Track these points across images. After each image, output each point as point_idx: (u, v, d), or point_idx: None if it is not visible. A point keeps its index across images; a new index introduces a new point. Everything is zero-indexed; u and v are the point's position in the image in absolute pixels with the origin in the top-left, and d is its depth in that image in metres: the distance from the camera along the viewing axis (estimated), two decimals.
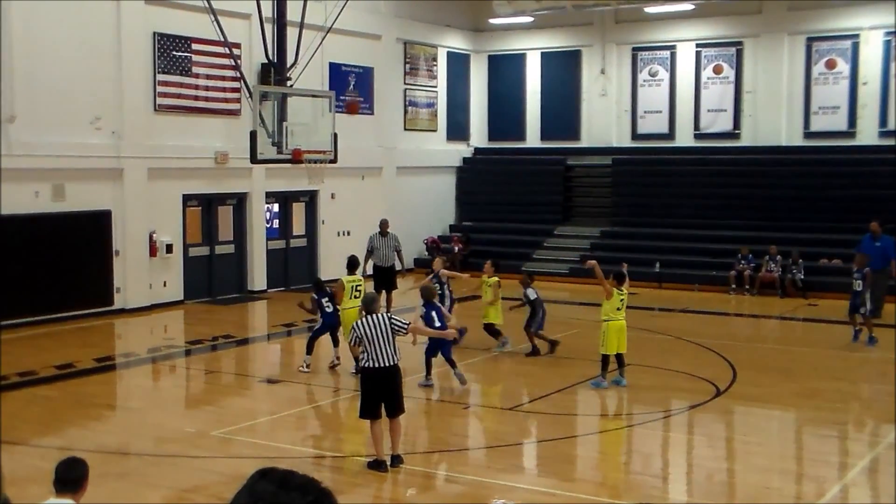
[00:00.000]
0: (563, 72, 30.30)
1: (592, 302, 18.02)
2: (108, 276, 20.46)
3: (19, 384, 14.42)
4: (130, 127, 20.62)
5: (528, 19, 29.31)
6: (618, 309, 14.29)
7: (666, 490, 10.34)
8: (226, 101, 22.65)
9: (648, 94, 29.15)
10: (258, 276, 23.96)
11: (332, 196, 25.68)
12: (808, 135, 27.12)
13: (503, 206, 29.78)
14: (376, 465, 10.39)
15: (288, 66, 19.78)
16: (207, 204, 23.05)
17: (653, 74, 29.04)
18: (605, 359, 14.29)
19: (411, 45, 28.96)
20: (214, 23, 18.72)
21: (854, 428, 13.18)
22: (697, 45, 28.34)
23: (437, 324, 13.63)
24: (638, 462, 11.48)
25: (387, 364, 10.37)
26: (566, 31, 29.91)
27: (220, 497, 9.30)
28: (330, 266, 24.25)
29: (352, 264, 16.23)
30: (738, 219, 26.36)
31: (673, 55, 28.72)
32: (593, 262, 14.70)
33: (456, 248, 28.00)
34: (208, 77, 22.23)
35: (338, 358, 15.54)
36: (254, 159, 18.84)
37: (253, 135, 18.43)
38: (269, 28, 19.63)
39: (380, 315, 10.66)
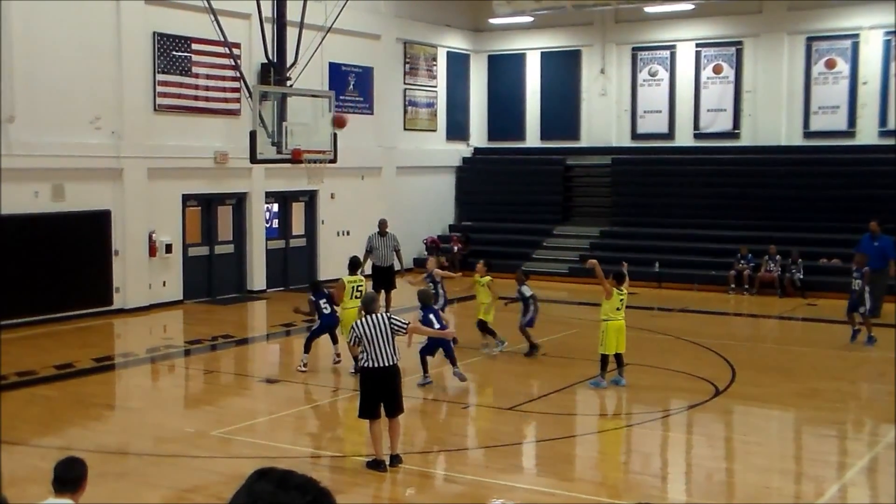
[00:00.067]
0: (562, 72, 30.31)
1: (592, 302, 18.03)
2: (108, 275, 20.47)
3: (19, 384, 14.42)
4: (130, 127, 20.63)
5: (528, 19, 29.32)
6: (617, 309, 14.30)
7: (665, 490, 10.34)
8: (225, 100, 22.65)
9: (648, 93, 29.15)
10: (257, 276, 23.97)
11: (332, 196, 25.68)
12: (808, 134, 27.13)
13: (503, 206, 29.78)
14: (375, 464, 10.39)
15: (288, 65, 19.77)
16: (207, 204, 23.05)
17: (652, 74, 29.04)
18: (604, 358, 14.30)
19: (411, 44, 28.97)
20: (214, 23, 18.71)
21: (853, 427, 13.18)
22: (697, 45, 28.35)
23: (437, 325, 13.68)
24: (637, 462, 11.48)
25: (386, 364, 10.38)
26: (566, 30, 29.92)
27: (219, 497, 9.30)
28: (329, 266, 24.27)
29: (353, 265, 16.29)
30: (737, 218, 26.36)
31: (673, 55, 28.73)
32: (594, 261, 14.70)
33: (455, 248, 28.02)
34: (208, 77, 22.24)
35: (338, 355, 15.57)
36: (253, 159, 18.83)
37: (252, 135, 18.42)
38: (268, 28, 19.63)
39: (379, 315, 10.67)
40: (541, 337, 16.97)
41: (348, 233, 25.40)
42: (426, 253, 27.54)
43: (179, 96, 21.76)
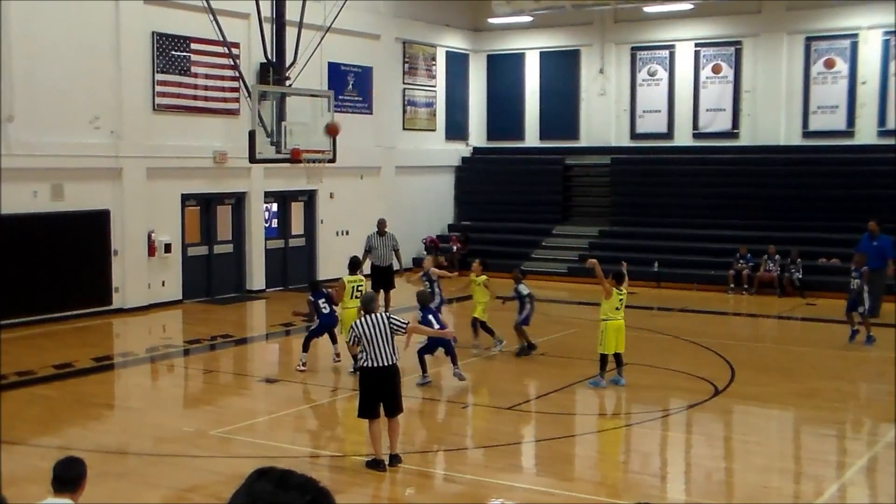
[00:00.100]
0: (561, 71, 30.31)
1: (591, 301, 18.03)
2: (107, 275, 20.46)
3: (18, 384, 14.42)
4: (129, 127, 20.62)
5: (527, 19, 29.32)
6: (616, 308, 14.30)
7: (664, 489, 10.34)
8: (225, 100, 22.65)
9: (647, 93, 29.15)
10: (257, 276, 23.96)
11: (331, 196, 25.68)
12: (807, 134, 27.13)
13: (502, 206, 29.78)
14: (375, 464, 10.39)
15: (287, 65, 19.77)
16: (206, 203, 23.04)
17: (652, 74, 29.04)
18: (603, 358, 14.30)
19: (410, 44, 28.96)
20: (213, 22, 18.71)
21: (852, 427, 13.19)
22: (696, 45, 28.35)
23: (436, 325, 13.72)
24: (636, 461, 11.49)
25: (386, 363, 10.38)
26: (565, 30, 29.91)
27: (218, 497, 9.30)
28: (329, 266, 24.28)
29: (353, 264, 16.35)
30: (736, 218, 26.37)
31: (672, 55, 28.73)
32: (594, 260, 14.70)
33: (454, 248, 28.02)
34: (207, 77, 22.23)
35: (338, 355, 15.60)
36: (252, 159, 18.84)
37: (252, 134, 18.43)
38: (267, 28, 19.63)
39: (378, 314, 10.67)
40: (540, 337, 16.99)
41: (347, 232, 25.39)
42: (425, 252, 27.55)
43: (178, 96, 21.76)
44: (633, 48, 29.27)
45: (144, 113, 21.05)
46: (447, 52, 30.43)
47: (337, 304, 15.50)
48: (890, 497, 9.69)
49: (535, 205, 29.41)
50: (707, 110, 28.36)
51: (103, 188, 20.37)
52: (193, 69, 21.95)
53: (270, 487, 2.18)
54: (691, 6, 27.15)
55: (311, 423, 13.44)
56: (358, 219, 24.90)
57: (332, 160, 19.84)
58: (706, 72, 28.25)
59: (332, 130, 19.24)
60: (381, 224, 20.28)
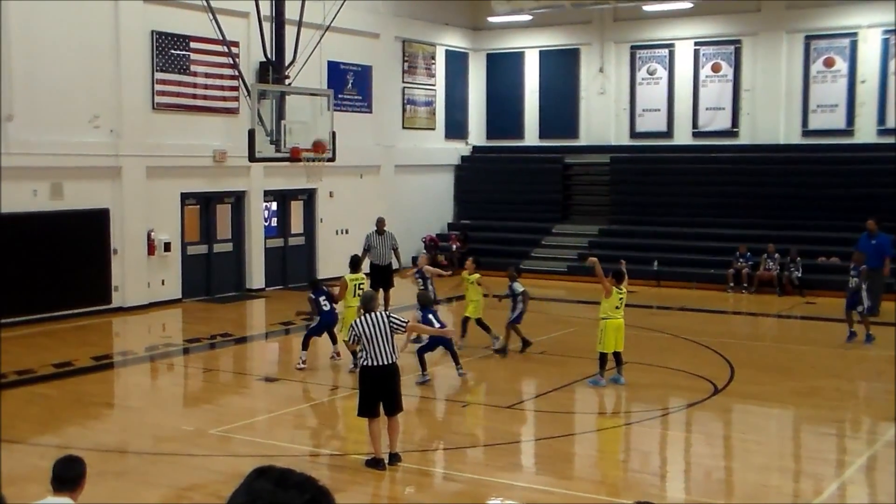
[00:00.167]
0: (561, 70, 30.30)
1: (590, 300, 18.03)
2: (107, 274, 20.46)
3: (18, 383, 14.42)
4: (129, 125, 20.62)
5: (527, 18, 29.31)
6: (616, 307, 14.29)
7: (664, 488, 10.34)
8: (224, 99, 22.64)
9: (647, 92, 29.15)
10: (256, 275, 23.96)
11: (331, 194, 25.68)
12: (807, 133, 27.12)
13: (501, 205, 29.78)
14: (374, 463, 10.39)
15: (286, 64, 19.77)
16: (206, 202, 23.04)
17: (651, 73, 29.04)
18: (602, 357, 14.30)
19: (410, 43, 28.96)
20: (213, 21, 18.72)
21: (852, 426, 13.19)
22: (696, 44, 28.34)
23: (437, 325, 13.74)
24: (636, 460, 11.49)
25: (385, 362, 10.38)
26: (565, 29, 29.90)
27: (218, 495, 9.29)
28: (328, 264, 24.28)
29: (354, 263, 16.42)
30: (736, 217, 26.37)
31: (671, 53, 28.73)
32: (594, 259, 14.70)
33: (454, 247, 28.03)
34: (207, 75, 22.23)
35: (338, 353, 15.62)
36: (252, 158, 18.85)
37: (251, 133, 18.43)
38: (267, 26, 19.63)
39: (378, 313, 10.68)
40: (540, 335, 16.99)
41: (347, 231, 25.39)
42: (424, 251, 27.57)
43: (178, 95, 21.75)
44: (632, 47, 29.26)
45: (144, 112, 21.05)
46: (447, 51, 30.42)
47: (338, 303, 15.52)
48: (890, 496, 9.69)
49: (534, 204, 29.41)
50: (707, 109, 28.36)
51: (103, 187, 20.37)
52: (193, 68, 21.95)
53: (270, 486, 2.18)
54: (691, 5, 27.14)
55: (311, 421, 13.44)
56: (357, 218, 24.89)
57: (332, 159, 19.84)
58: (706, 70, 28.25)
59: (318, 148, 19.15)
60: (380, 223, 20.27)
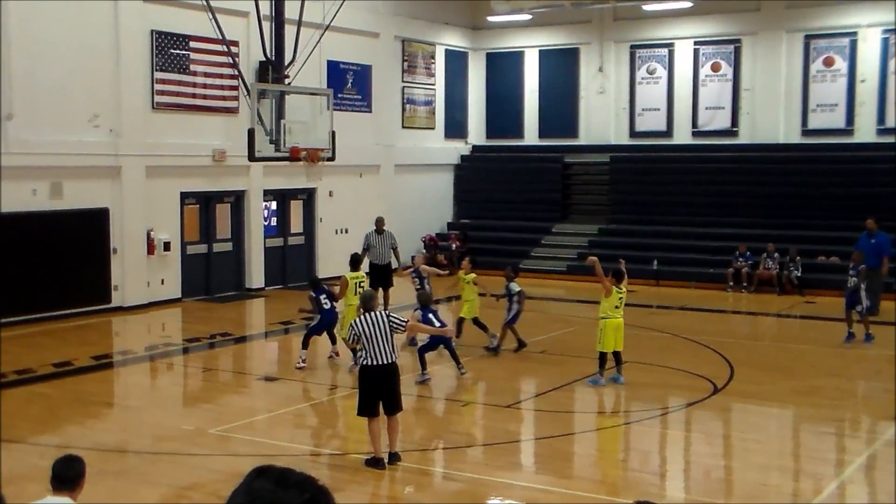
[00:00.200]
0: (561, 69, 30.29)
1: (590, 300, 18.03)
2: (106, 273, 20.46)
3: (17, 382, 14.42)
4: (128, 125, 20.62)
5: (527, 17, 29.31)
6: (616, 307, 14.29)
7: (664, 487, 10.33)
8: (224, 98, 22.64)
9: (646, 91, 29.14)
10: (256, 274, 23.96)
11: (330, 194, 25.68)
12: (806, 132, 27.13)
13: (501, 204, 29.78)
14: (374, 462, 10.39)
15: (286, 63, 19.76)
16: (205, 202, 23.04)
17: (651, 72, 29.04)
18: (602, 356, 14.30)
19: (409, 42, 28.95)
20: (212, 21, 18.70)
21: (851, 425, 13.19)
22: (695, 43, 28.34)
23: (437, 324, 13.75)
24: (636, 459, 11.49)
25: (385, 362, 10.38)
26: (564, 28, 29.89)
27: (217, 495, 9.30)
28: (328, 264, 24.27)
29: (355, 261, 16.45)
30: (735, 216, 26.37)
31: (671, 53, 28.72)
32: (594, 258, 14.70)
33: (454, 246, 28.02)
34: (206, 75, 22.22)
35: (336, 353, 15.63)
36: (252, 157, 18.83)
37: (251, 132, 18.42)
38: (267, 26, 19.61)
39: (378, 313, 10.68)
40: (539, 335, 17.00)
41: (347, 231, 25.38)
42: (424, 251, 27.60)
43: (178, 94, 21.75)
44: (632, 46, 29.26)
45: (143, 111, 21.05)
46: (446, 51, 30.42)
47: (338, 301, 15.54)
48: (889, 495, 9.69)
49: (534, 203, 29.41)
50: (706, 108, 28.36)
51: (102, 186, 20.36)
52: (192, 67, 21.95)
53: (269, 486, 2.18)
54: (690, 4, 27.13)
55: (311, 421, 13.44)
56: (357, 217, 24.88)
57: (332, 158, 19.84)
58: (705, 70, 28.24)
59: (311, 157, 19.09)
60: (380, 222, 20.26)
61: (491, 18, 29.78)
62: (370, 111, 27.21)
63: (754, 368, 15.46)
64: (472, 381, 14.78)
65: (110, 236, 20.49)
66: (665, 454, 11.93)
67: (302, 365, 15.22)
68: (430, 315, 14.11)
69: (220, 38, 19.21)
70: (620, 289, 14.31)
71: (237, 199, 23.69)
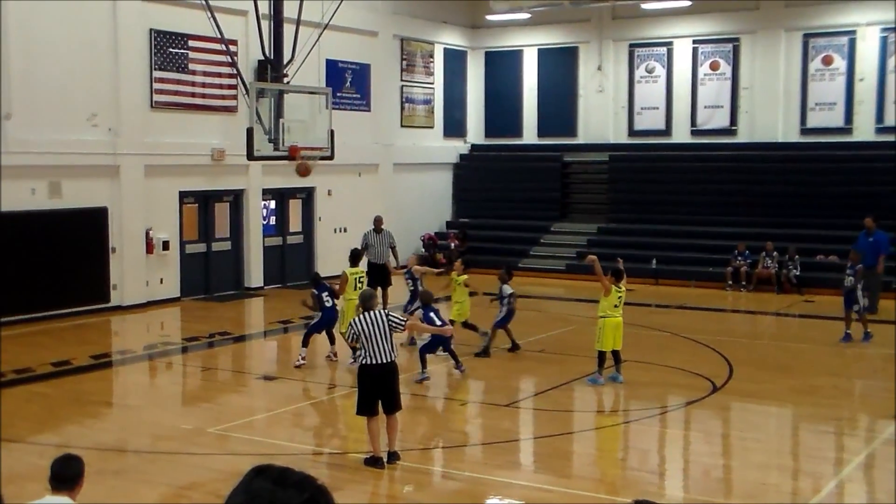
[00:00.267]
0: (559, 68, 30.29)
1: (589, 298, 18.03)
2: (105, 273, 20.45)
3: (16, 381, 14.41)
4: (127, 124, 20.61)
5: (525, 16, 29.30)
6: (615, 306, 14.29)
7: (663, 486, 10.33)
8: (222, 97, 22.62)
9: (645, 90, 29.15)
10: (255, 273, 23.95)
11: (329, 193, 25.68)
12: (805, 131, 27.13)
13: (500, 203, 29.78)
14: (373, 461, 10.39)
15: (284, 62, 19.74)
16: (204, 201, 23.03)
17: (649, 71, 29.03)
18: (601, 355, 14.30)
19: (408, 41, 28.94)
20: (211, 19, 18.68)
21: (850, 424, 13.18)
22: (694, 42, 28.34)
23: (438, 323, 13.74)
24: (635, 458, 11.49)
25: (384, 361, 10.38)
26: (563, 27, 29.89)
27: (216, 494, 9.29)
28: (327, 263, 24.23)
29: (355, 256, 16.52)
30: (734, 215, 26.37)
31: (670, 51, 28.72)
32: (593, 257, 14.70)
33: (452, 245, 28.02)
34: (205, 74, 22.21)
35: (335, 354, 15.62)
36: (250, 156, 18.82)
37: (249, 131, 18.41)
38: (265, 25, 19.60)
39: (377, 311, 10.68)
40: (538, 334, 17.00)
41: (345, 230, 25.37)
42: (423, 250, 27.62)
43: (176, 93, 21.73)
44: (630, 45, 29.26)
45: (142, 110, 21.03)
46: (445, 49, 30.41)
47: (339, 297, 15.55)
48: (888, 494, 9.70)
49: (533, 202, 29.40)
50: (705, 107, 28.36)
51: (101, 185, 20.35)
52: (191, 66, 21.94)
53: (268, 485, 2.17)
54: (689, 3, 27.12)
55: (310, 420, 13.43)
56: (356, 216, 24.87)
57: (330, 157, 19.83)
58: (704, 69, 28.24)
59: (303, 171, 19.05)
60: (378, 221, 20.25)
61: (490, 17, 29.77)
62: (369, 110, 27.20)
63: (753, 367, 15.47)
64: (470, 380, 14.78)
65: (109, 235, 20.49)
66: (664, 453, 11.93)
67: (301, 363, 15.22)
68: (432, 314, 14.09)
69: (219, 37, 19.19)
70: (619, 288, 14.31)
71: (236, 199, 23.68)
